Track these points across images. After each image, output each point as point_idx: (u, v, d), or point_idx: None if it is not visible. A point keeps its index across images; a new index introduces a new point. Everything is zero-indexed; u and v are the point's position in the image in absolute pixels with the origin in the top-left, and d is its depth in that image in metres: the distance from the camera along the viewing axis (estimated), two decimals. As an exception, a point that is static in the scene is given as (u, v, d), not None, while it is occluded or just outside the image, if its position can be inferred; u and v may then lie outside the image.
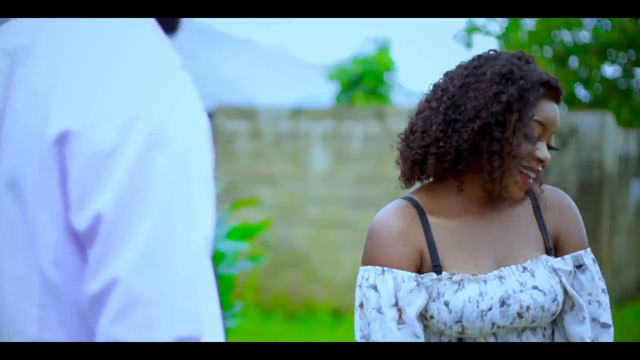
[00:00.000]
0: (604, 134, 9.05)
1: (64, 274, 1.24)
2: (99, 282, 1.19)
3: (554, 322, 2.18)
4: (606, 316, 2.18)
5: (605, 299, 2.19)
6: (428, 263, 2.09)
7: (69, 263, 1.24)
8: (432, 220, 2.12)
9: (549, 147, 2.12)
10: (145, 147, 1.20)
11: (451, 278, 2.07)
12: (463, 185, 2.11)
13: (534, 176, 2.10)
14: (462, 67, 2.15)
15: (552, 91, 2.12)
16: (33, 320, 1.26)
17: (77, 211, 1.21)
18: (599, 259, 9.03)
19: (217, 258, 5.52)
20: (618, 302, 9.64)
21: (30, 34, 1.34)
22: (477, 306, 2.05)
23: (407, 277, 2.06)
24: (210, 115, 9.52)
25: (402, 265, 2.07)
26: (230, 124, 9.67)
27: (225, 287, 5.55)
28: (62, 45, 1.30)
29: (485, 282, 2.08)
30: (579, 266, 2.18)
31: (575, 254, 2.18)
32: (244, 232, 6.05)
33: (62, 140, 1.23)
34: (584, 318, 2.14)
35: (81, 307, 1.24)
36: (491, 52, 2.17)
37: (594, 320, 2.17)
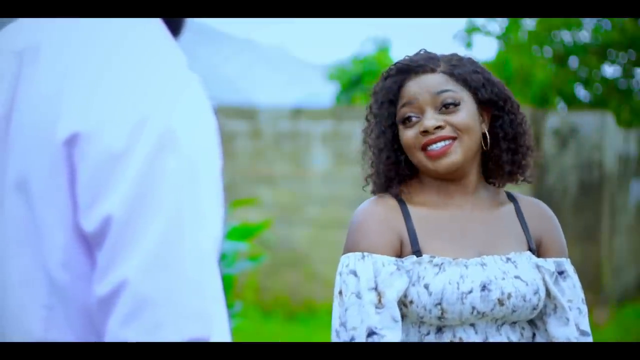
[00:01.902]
0: (604, 134, 9.04)
1: (72, 275, 1.24)
2: (108, 284, 1.19)
3: (534, 326, 2.18)
4: (585, 324, 2.18)
5: (585, 308, 2.19)
6: (408, 249, 2.11)
7: (77, 264, 1.24)
8: (412, 209, 2.15)
9: (447, 105, 2.13)
10: (155, 149, 1.20)
11: (432, 261, 2.08)
12: (434, 184, 2.17)
13: (442, 144, 2.11)
14: None
15: (410, 72, 2.17)
16: (39, 320, 1.26)
17: (86, 213, 1.21)
18: (599, 259, 9.06)
19: (217, 258, 5.51)
20: (618, 302, 9.64)
21: (38, 34, 1.34)
22: (458, 288, 2.06)
23: (387, 261, 2.08)
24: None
25: (382, 250, 2.09)
26: (230, 124, 9.67)
27: (225, 287, 5.55)
28: (69, 46, 1.30)
29: (466, 266, 2.09)
30: (561, 272, 2.19)
31: (558, 259, 2.19)
32: (244, 232, 6.04)
33: (71, 142, 1.22)
34: (567, 319, 2.14)
35: (88, 308, 1.24)
36: None
37: (575, 325, 2.16)
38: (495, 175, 2.22)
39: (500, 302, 2.08)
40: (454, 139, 2.11)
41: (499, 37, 13.21)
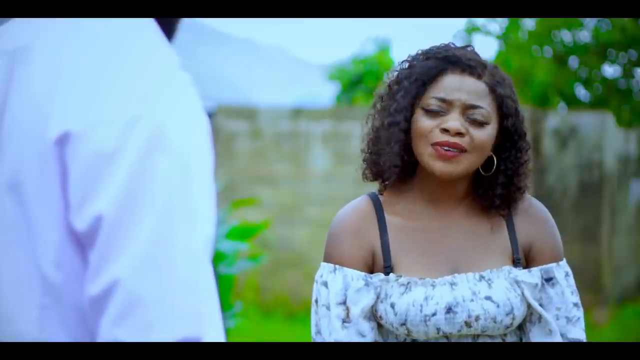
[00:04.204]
0: (604, 134, 9.04)
1: (65, 275, 1.24)
2: (101, 284, 1.19)
3: (522, 331, 2.14)
4: (576, 332, 2.13)
5: (577, 313, 2.13)
6: (380, 263, 2.09)
7: (70, 264, 1.24)
8: (390, 220, 2.12)
9: (477, 123, 2.07)
10: (146, 148, 1.20)
11: (398, 280, 2.06)
12: (420, 187, 2.13)
13: (451, 149, 2.05)
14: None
15: (454, 64, 2.09)
16: (33, 320, 1.26)
17: (77, 212, 1.21)
18: (599, 259, 9.06)
19: (217, 258, 5.52)
20: (618, 302, 9.64)
21: (30, 34, 1.34)
22: (421, 310, 2.04)
23: (356, 276, 2.07)
24: (210, 115, 9.52)
25: (353, 263, 2.08)
26: (230, 124, 9.67)
27: (225, 287, 5.55)
28: (62, 45, 1.30)
29: (433, 286, 2.06)
30: (549, 279, 2.13)
31: (545, 267, 2.13)
32: (244, 232, 6.05)
33: (62, 141, 1.22)
34: (551, 331, 2.10)
35: (81, 307, 1.24)
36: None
37: (562, 335, 2.12)
38: (479, 194, 2.16)
39: (468, 324, 2.05)
40: (464, 151, 2.05)
41: (499, 37, 13.21)
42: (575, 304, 2.15)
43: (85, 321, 1.24)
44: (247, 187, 9.48)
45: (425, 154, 2.07)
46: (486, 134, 2.08)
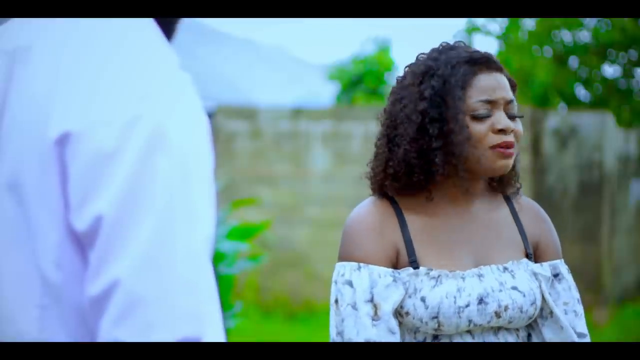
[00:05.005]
0: (604, 134, 9.04)
1: (65, 275, 1.24)
2: (101, 284, 1.19)
3: (530, 326, 2.17)
4: (582, 326, 2.17)
5: (580, 309, 2.18)
6: (404, 259, 2.08)
7: (70, 264, 1.24)
8: (409, 217, 2.11)
9: (514, 117, 2.11)
10: (146, 148, 1.20)
11: (429, 273, 2.06)
12: (439, 187, 2.11)
13: (511, 150, 2.08)
14: (396, 80, 2.19)
15: (482, 64, 2.10)
16: (33, 320, 1.26)
17: (77, 212, 1.21)
18: (599, 259, 9.06)
19: (217, 258, 5.52)
20: (618, 302, 9.64)
21: (30, 34, 1.34)
22: (455, 302, 2.04)
23: (383, 273, 2.05)
24: (210, 115, 9.53)
25: (378, 260, 2.07)
26: (230, 124, 9.67)
27: (225, 287, 5.56)
28: (62, 45, 1.30)
29: (463, 278, 2.07)
30: (556, 275, 2.18)
31: (553, 262, 2.18)
32: (244, 232, 6.06)
33: (62, 141, 1.23)
34: (562, 327, 2.13)
35: (82, 307, 1.24)
36: (418, 57, 2.16)
37: (571, 330, 2.15)
38: (496, 183, 2.21)
39: (497, 315, 2.07)
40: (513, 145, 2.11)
41: (499, 37, 13.22)
42: (578, 300, 2.19)
43: (85, 321, 1.24)
44: (247, 187, 9.49)
45: (485, 157, 2.08)
46: (521, 125, 2.13)
